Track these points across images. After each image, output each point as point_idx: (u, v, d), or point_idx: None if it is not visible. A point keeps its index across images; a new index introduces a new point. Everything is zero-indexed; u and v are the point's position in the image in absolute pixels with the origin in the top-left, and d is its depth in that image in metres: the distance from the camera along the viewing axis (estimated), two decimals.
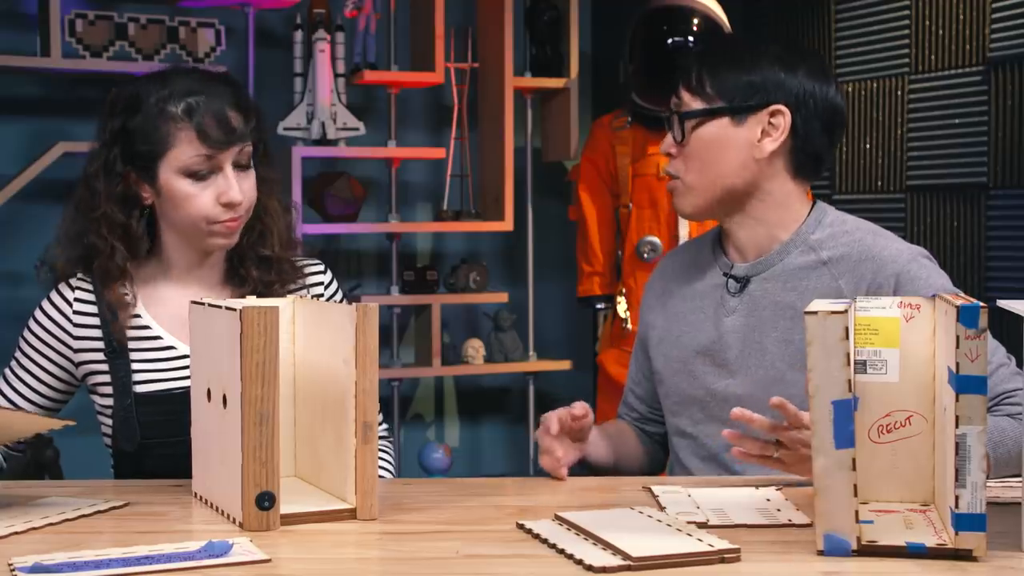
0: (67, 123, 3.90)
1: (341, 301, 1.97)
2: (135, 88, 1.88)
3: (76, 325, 1.91)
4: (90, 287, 1.92)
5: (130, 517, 1.59)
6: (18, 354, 1.94)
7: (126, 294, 1.90)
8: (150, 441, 1.87)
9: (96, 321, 1.91)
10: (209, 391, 1.59)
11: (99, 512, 1.59)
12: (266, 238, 1.94)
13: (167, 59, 3.83)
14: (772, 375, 1.88)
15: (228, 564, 1.34)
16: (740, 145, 1.88)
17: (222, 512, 1.57)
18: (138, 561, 1.33)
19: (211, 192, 1.84)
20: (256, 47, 3.93)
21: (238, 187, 1.85)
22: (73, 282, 1.93)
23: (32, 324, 1.94)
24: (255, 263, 1.93)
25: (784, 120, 1.87)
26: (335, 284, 2.05)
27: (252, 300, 1.70)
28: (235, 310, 1.49)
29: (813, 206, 1.95)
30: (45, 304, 1.93)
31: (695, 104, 1.89)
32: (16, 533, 1.47)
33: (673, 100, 1.94)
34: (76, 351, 1.91)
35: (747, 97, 1.87)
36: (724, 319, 1.93)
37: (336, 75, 3.98)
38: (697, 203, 1.92)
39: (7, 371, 1.95)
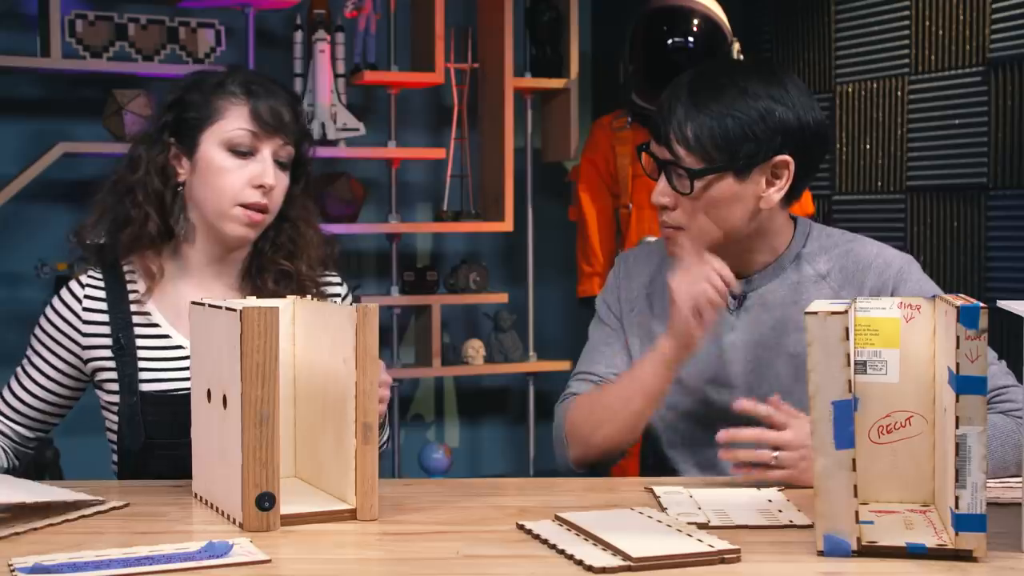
0: (67, 123, 3.90)
1: None
2: (202, 72, 1.95)
3: (85, 322, 1.92)
4: (101, 283, 1.94)
5: (130, 517, 1.59)
6: (29, 351, 1.95)
7: (153, 264, 1.91)
8: (155, 441, 1.88)
9: (105, 318, 1.91)
10: (209, 391, 1.59)
11: (99, 512, 1.59)
12: (292, 257, 1.94)
13: (167, 59, 3.83)
14: (780, 390, 1.85)
15: (228, 564, 1.34)
16: (747, 198, 1.83)
17: (222, 512, 1.57)
18: (138, 561, 1.33)
19: (245, 174, 1.87)
20: (256, 47, 3.93)
21: (273, 175, 1.87)
22: (83, 279, 1.95)
23: (43, 321, 1.95)
24: (274, 276, 1.93)
25: (788, 169, 1.82)
26: (350, 299, 2.05)
27: (252, 300, 1.70)
28: (235, 310, 1.49)
29: (795, 223, 1.94)
30: (55, 301, 1.94)
31: (690, 159, 1.81)
32: (16, 533, 1.48)
33: (661, 150, 1.85)
34: (85, 347, 1.92)
35: (751, 154, 1.80)
36: (723, 337, 1.91)
37: (336, 75, 3.98)
38: (699, 251, 1.85)
39: (19, 369, 1.96)
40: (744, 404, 1.73)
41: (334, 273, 2.05)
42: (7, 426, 1.94)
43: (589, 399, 1.94)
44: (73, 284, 1.94)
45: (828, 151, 1.92)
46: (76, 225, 1.98)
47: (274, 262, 1.94)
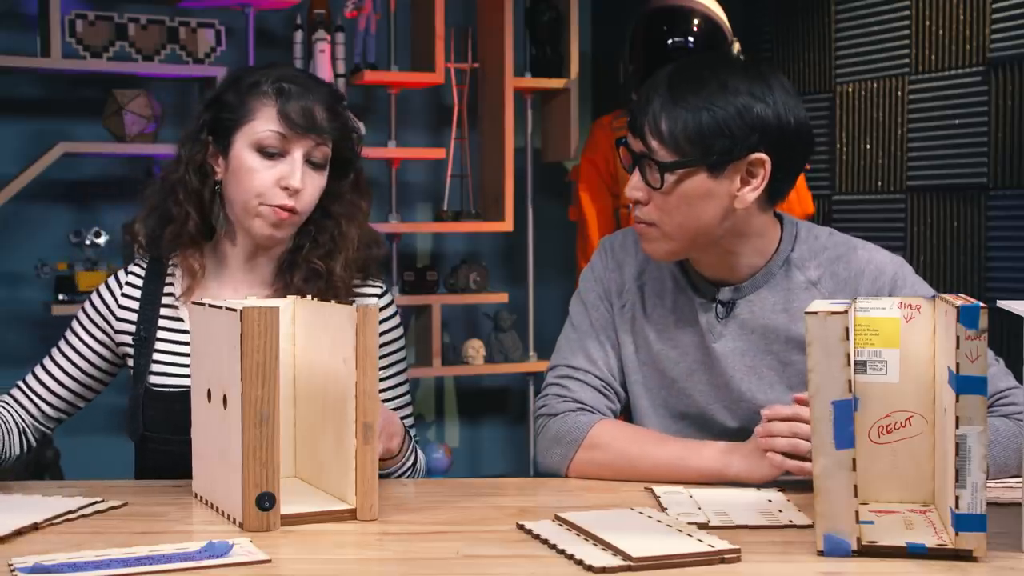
0: (67, 123, 3.90)
1: (393, 330, 1.97)
2: (241, 70, 1.96)
3: (121, 307, 1.95)
4: (142, 274, 1.97)
5: (130, 517, 1.59)
6: (67, 332, 1.98)
7: (195, 261, 1.92)
8: (149, 435, 1.89)
9: (137, 305, 1.95)
10: (209, 391, 1.59)
11: (99, 512, 1.60)
12: (327, 257, 1.91)
13: (167, 59, 3.83)
14: (771, 398, 1.84)
15: (228, 564, 1.34)
16: (721, 196, 1.77)
17: (222, 512, 1.57)
18: (138, 561, 1.33)
19: (274, 173, 1.85)
20: (256, 47, 3.93)
21: (301, 177, 1.85)
22: (130, 267, 1.99)
23: (85, 304, 1.99)
24: (303, 273, 1.91)
25: (764, 168, 1.76)
26: (391, 310, 1.98)
27: (252, 300, 1.70)
28: (235, 310, 1.49)
29: (782, 224, 1.89)
30: (101, 286, 1.99)
31: (662, 151, 1.75)
32: (17, 533, 1.48)
33: (635, 142, 1.80)
34: (116, 332, 1.95)
35: (726, 151, 1.74)
36: (712, 344, 1.87)
37: (336, 75, 3.98)
38: (673, 249, 1.82)
39: (53, 350, 1.98)
40: (768, 411, 1.67)
41: (378, 283, 1.99)
42: (33, 403, 1.95)
43: (623, 440, 1.83)
44: (120, 271, 1.99)
45: (810, 152, 1.86)
46: (133, 230, 2.00)
47: (307, 260, 1.91)
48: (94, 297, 1.98)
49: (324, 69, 3.92)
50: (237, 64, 3.90)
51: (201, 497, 1.65)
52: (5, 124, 3.92)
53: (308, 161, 1.87)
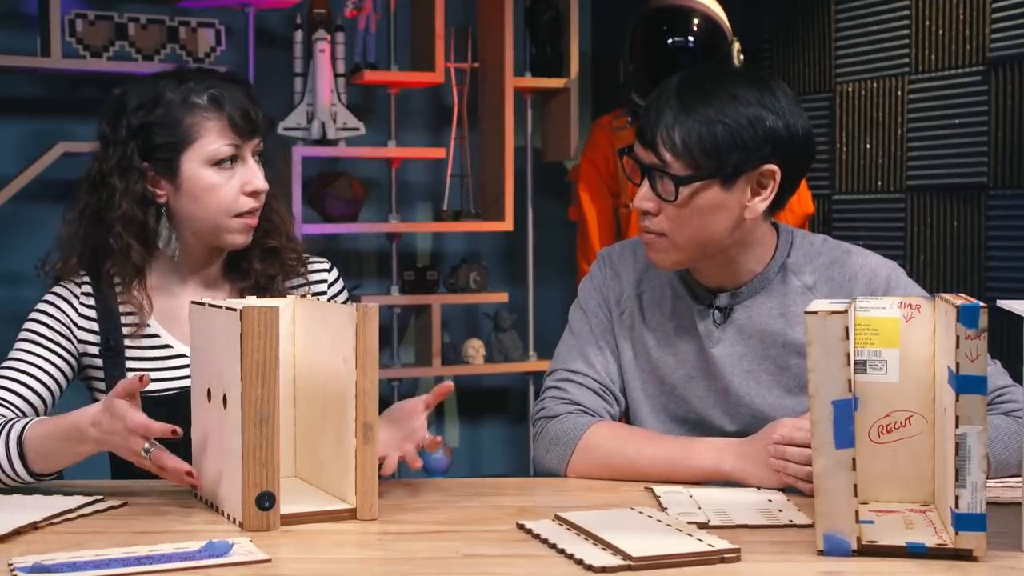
0: (67, 123, 3.90)
1: (345, 302, 1.96)
2: (151, 85, 1.89)
3: (81, 316, 1.90)
4: (91, 286, 1.91)
5: (130, 517, 1.59)
6: (21, 344, 1.89)
7: (140, 295, 1.90)
8: None
9: (95, 314, 1.90)
10: (209, 391, 1.59)
11: (99, 512, 1.60)
12: (271, 234, 1.94)
13: (167, 59, 3.83)
14: (769, 402, 1.86)
15: (228, 564, 1.34)
16: (732, 207, 1.79)
17: (222, 512, 1.57)
18: (138, 561, 1.33)
19: (235, 183, 1.86)
20: (256, 47, 3.93)
21: (261, 178, 1.87)
22: (76, 279, 1.92)
23: (38, 314, 1.90)
24: (259, 256, 1.94)
25: (774, 179, 1.79)
26: (340, 284, 2.05)
27: (252, 300, 1.70)
28: (235, 310, 1.49)
29: (778, 232, 1.91)
30: (51, 296, 1.91)
31: (676, 164, 1.77)
32: (17, 532, 1.48)
33: (646, 154, 1.80)
34: (80, 342, 1.90)
35: (740, 162, 1.76)
36: (711, 350, 1.88)
37: (336, 75, 3.98)
38: (681, 259, 1.84)
39: (5, 365, 1.88)
40: (780, 436, 1.67)
41: (323, 260, 2.04)
42: None
43: (620, 439, 1.84)
44: (67, 283, 1.92)
45: (813, 160, 1.88)
46: (52, 264, 1.92)
47: (257, 243, 1.93)
48: (47, 308, 1.90)
49: (324, 69, 3.92)
50: (237, 64, 3.90)
51: (201, 497, 1.65)
52: (5, 124, 3.92)
53: (253, 156, 1.89)
